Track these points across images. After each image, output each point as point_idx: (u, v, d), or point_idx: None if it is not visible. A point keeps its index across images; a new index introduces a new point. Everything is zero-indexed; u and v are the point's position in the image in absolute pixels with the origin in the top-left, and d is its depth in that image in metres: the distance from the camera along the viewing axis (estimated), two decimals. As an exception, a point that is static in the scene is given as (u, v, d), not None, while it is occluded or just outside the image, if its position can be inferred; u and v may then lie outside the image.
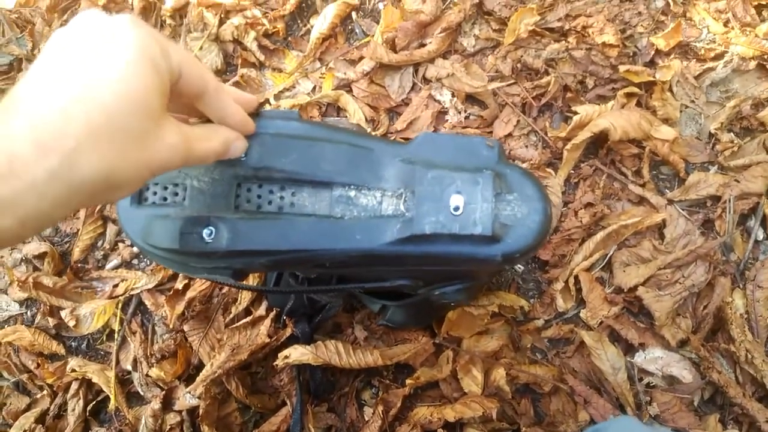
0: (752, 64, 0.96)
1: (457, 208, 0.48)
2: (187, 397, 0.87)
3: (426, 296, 0.65)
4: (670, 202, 0.88)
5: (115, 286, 0.97)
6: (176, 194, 0.50)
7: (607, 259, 0.87)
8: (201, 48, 1.08)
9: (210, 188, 0.49)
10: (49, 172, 0.31)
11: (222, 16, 1.11)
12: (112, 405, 0.91)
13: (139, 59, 0.34)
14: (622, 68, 0.95)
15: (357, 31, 1.09)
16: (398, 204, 0.49)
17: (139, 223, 0.50)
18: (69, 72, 0.33)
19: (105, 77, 0.33)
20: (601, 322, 0.83)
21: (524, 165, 0.92)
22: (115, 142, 0.34)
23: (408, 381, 0.82)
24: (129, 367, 0.93)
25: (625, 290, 0.84)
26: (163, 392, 0.88)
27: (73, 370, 0.93)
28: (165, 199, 0.50)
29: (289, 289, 0.79)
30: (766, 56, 0.95)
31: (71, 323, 0.95)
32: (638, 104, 0.94)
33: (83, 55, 0.33)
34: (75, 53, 0.34)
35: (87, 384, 0.93)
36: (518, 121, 0.97)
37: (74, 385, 0.93)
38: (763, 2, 0.99)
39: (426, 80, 1.02)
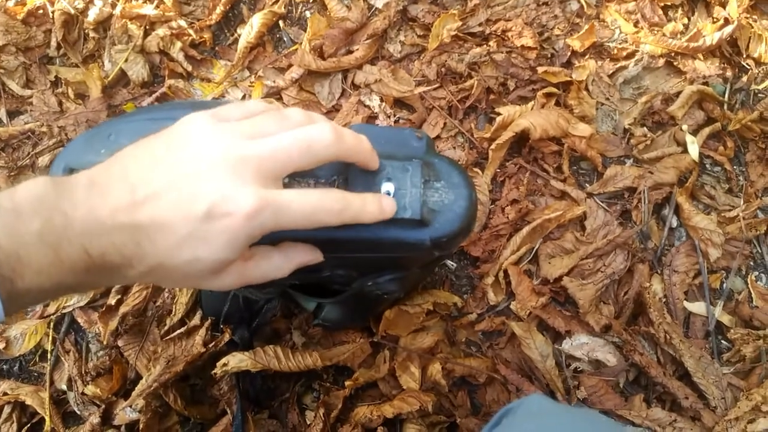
0: (661, 61, 1.01)
1: (387, 194, 0.50)
2: (127, 411, 0.86)
3: (360, 289, 0.66)
4: (590, 195, 0.92)
5: (46, 305, 0.95)
6: None
7: (533, 252, 0.90)
8: (126, 60, 1.07)
9: None
10: (123, 276, 0.39)
11: (147, 27, 1.10)
12: (47, 426, 0.89)
13: (234, 244, 0.39)
14: (540, 69, 0.99)
15: (285, 39, 1.10)
16: (334, 179, 0.50)
17: None
18: (179, 213, 0.38)
19: (199, 240, 0.38)
20: (530, 313, 0.86)
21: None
22: (176, 276, 0.41)
23: (347, 382, 0.84)
24: (64, 387, 0.91)
25: (551, 281, 0.88)
26: (101, 408, 0.86)
27: (5, 394, 0.90)
28: None
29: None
30: (673, 54, 1.01)
31: (1, 345, 0.93)
32: (557, 103, 0.98)
33: (199, 206, 0.38)
34: (194, 195, 0.38)
35: (20, 407, 0.91)
36: (445, 124, 1.00)
37: (7, 409, 0.90)
38: (669, 3, 1.05)
39: (355, 86, 1.04)
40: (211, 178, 0.38)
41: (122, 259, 0.38)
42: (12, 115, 1.10)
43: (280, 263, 0.46)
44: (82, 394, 0.90)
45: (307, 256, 0.48)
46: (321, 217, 0.42)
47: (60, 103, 1.08)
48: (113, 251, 0.37)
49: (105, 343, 0.90)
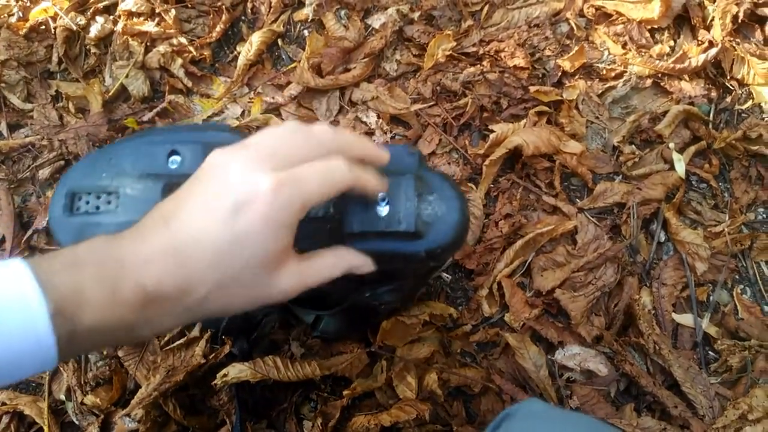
0: (648, 81, 1.05)
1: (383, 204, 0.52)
2: (126, 421, 0.86)
3: (358, 301, 0.68)
4: (581, 210, 0.95)
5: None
6: (109, 202, 0.51)
7: (526, 265, 0.93)
8: (127, 76, 1.09)
9: (142, 195, 0.51)
10: (184, 307, 0.40)
11: (148, 44, 1.12)
12: (45, 437, 0.90)
13: (272, 228, 0.40)
14: (532, 89, 1.02)
15: (283, 56, 1.13)
16: (328, 206, 0.52)
17: (72, 232, 0.52)
18: (212, 226, 0.40)
19: (242, 242, 0.40)
20: (524, 324, 0.88)
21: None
22: (237, 291, 0.42)
23: (345, 392, 0.85)
24: (62, 397, 0.92)
25: (544, 293, 0.90)
26: (100, 418, 0.87)
27: (4, 404, 0.90)
28: (98, 207, 0.51)
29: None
30: (660, 75, 1.05)
31: None
32: (548, 122, 1.01)
33: (227, 212, 0.40)
34: (221, 206, 0.40)
35: (18, 417, 0.91)
36: (440, 140, 1.02)
37: (5, 419, 0.91)
38: (656, 26, 1.09)
39: (352, 103, 1.07)
40: (231, 182, 0.40)
41: (177, 289, 0.39)
42: (12, 128, 1.11)
43: (333, 261, 0.48)
44: (81, 403, 0.90)
45: (358, 260, 0.50)
46: (336, 177, 0.43)
47: (60, 117, 1.10)
48: (165, 279, 0.39)
49: (105, 353, 0.91)
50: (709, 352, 0.89)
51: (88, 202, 0.52)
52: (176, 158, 0.53)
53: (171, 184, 0.51)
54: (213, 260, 0.40)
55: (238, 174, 0.41)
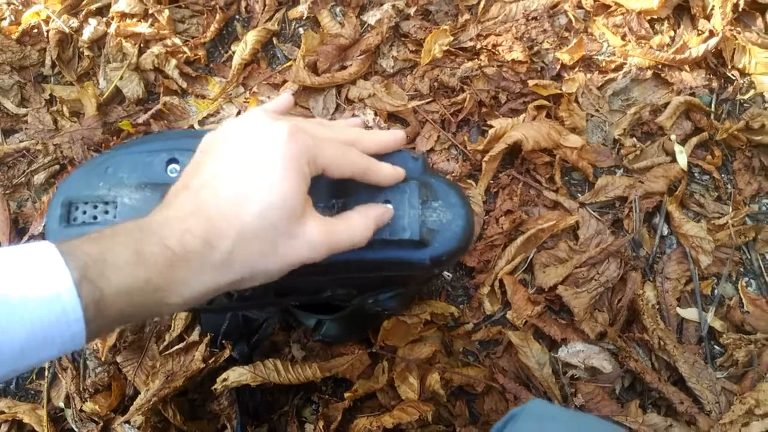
0: (649, 73, 1.03)
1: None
2: (125, 428, 0.86)
3: (360, 306, 0.67)
4: (582, 205, 0.94)
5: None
6: (106, 212, 0.50)
7: (528, 261, 0.92)
8: (121, 78, 1.08)
9: (141, 205, 0.50)
10: (210, 264, 0.40)
11: (141, 45, 1.11)
12: (45, 445, 0.89)
13: (289, 171, 0.41)
14: (531, 83, 1.01)
15: (279, 55, 1.12)
16: (331, 214, 0.51)
17: None
18: (231, 178, 0.41)
19: (258, 187, 0.41)
20: (526, 322, 0.87)
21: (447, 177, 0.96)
22: (261, 245, 0.41)
23: (347, 394, 0.84)
24: (61, 404, 0.91)
25: (546, 290, 0.89)
26: (100, 425, 0.86)
27: (2, 412, 0.90)
28: (95, 217, 0.50)
29: (226, 306, 0.79)
30: (660, 66, 1.03)
31: (-3, 364, 0.92)
32: (548, 116, 1.00)
33: (245, 162, 0.42)
34: (239, 158, 0.42)
35: (18, 425, 0.91)
36: (439, 137, 1.01)
37: (4, 427, 0.90)
38: (656, 16, 1.07)
39: (349, 101, 1.06)
40: (249, 132, 0.43)
41: (202, 243, 0.39)
42: (7, 133, 1.10)
43: (360, 221, 0.48)
44: (80, 410, 0.89)
45: (379, 209, 0.50)
46: (351, 157, 0.46)
47: (55, 121, 1.09)
48: (190, 237, 0.39)
49: (103, 359, 0.90)
50: (715, 347, 0.88)
51: (85, 212, 0.52)
52: (175, 167, 0.52)
53: None
54: (232, 209, 0.40)
55: (255, 124, 0.43)
